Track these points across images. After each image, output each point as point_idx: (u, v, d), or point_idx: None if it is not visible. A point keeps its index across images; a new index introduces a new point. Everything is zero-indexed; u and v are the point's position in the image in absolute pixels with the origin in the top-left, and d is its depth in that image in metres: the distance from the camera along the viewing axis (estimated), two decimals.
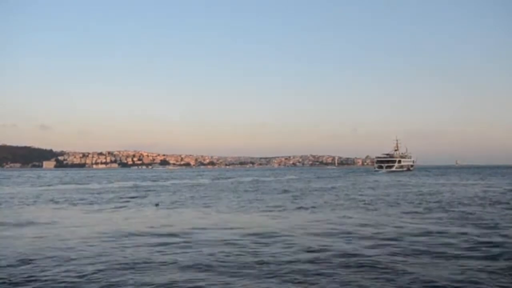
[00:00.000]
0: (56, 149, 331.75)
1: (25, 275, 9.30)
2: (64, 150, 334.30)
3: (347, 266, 9.94)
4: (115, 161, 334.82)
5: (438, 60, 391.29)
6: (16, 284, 8.76)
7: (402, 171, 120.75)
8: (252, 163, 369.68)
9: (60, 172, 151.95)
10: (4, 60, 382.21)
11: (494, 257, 10.76)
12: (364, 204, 25.51)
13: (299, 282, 8.75)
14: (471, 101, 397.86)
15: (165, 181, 64.63)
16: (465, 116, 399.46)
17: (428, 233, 14.40)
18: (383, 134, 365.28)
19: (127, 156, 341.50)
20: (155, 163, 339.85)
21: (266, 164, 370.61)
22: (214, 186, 48.93)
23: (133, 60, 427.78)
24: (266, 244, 12.67)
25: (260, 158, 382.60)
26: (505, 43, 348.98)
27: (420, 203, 25.42)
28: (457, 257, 10.86)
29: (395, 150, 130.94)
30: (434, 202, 26.36)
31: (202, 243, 12.84)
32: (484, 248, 11.83)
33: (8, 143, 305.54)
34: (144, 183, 58.17)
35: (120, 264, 10.28)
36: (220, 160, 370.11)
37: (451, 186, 45.94)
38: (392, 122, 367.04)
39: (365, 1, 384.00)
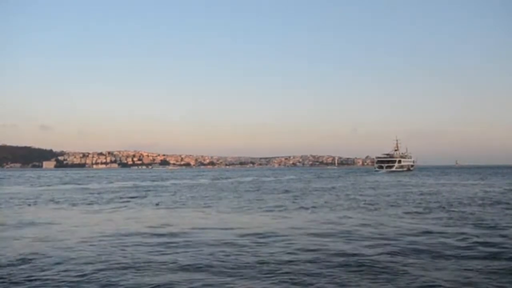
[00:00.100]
0: (56, 149, 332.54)
1: (25, 275, 9.30)
2: (64, 150, 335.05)
3: (347, 266, 9.94)
4: (115, 161, 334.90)
5: (438, 60, 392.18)
6: (16, 283, 8.76)
7: (402, 171, 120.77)
8: (252, 163, 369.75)
9: (60, 172, 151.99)
10: (4, 60, 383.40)
11: (494, 257, 10.75)
12: (365, 204, 25.50)
13: (299, 282, 8.75)
14: (471, 101, 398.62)
15: (165, 181, 64.62)
16: (465, 116, 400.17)
17: (428, 233, 14.39)
18: (383, 134, 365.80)
19: (127, 156, 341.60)
20: (155, 163, 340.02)
21: (266, 164, 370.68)
22: (214, 186, 48.92)
23: (133, 60, 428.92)
24: (266, 244, 12.67)
25: (260, 158, 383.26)
26: (505, 43, 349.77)
27: (420, 203, 25.41)
28: (457, 257, 10.85)
29: (395, 150, 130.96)
30: (434, 202, 26.35)
31: (202, 243, 12.84)
32: (484, 248, 11.82)
33: (8, 143, 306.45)
34: (144, 183, 58.16)
35: (120, 264, 10.27)
36: (220, 160, 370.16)
37: (451, 186, 45.93)
38: (392, 122, 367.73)
39: (365, 1, 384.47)
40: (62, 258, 10.86)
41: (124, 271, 9.58)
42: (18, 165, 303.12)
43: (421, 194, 33.26)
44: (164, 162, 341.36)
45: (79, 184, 57.75)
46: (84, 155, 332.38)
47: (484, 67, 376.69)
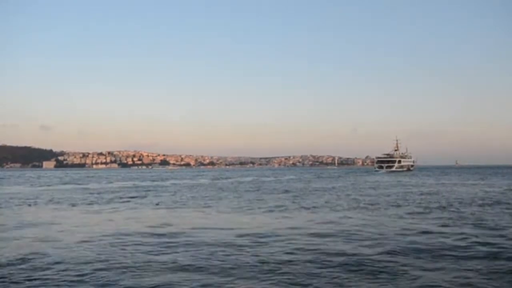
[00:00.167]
0: (56, 149, 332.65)
1: (25, 275, 9.30)
2: (64, 150, 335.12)
3: (347, 266, 9.94)
4: (115, 161, 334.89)
5: (438, 60, 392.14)
6: (16, 283, 8.76)
7: (402, 171, 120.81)
8: (252, 163, 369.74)
9: (60, 172, 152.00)
10: (4, 60, 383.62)
11: (494, 257, 10.74)
12: (365, 204, 25.50)
13: (299, 282, 8.75)
14: (471, 101, 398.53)
15: (165, 181, 64.63)
16: (465, 116, 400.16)
17: (428, 233, 14.39)
18: (383, 134, 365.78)
19: (127, 156, 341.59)
20: (155, 163, 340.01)
21: (266, 164, 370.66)
22: (214, 186, 48.92)
23: (133, 60, 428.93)
24: (266, 244, 12.66)
25: (260, 158, 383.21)
26: (505, 43, 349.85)
27: (420, 203, 25.40)
28: (457, 257, 10.85)
29: (395, 150, 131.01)
30: (434, 202, 26.34)
31: (202, 243, 12.83)
32: (484, 248, 11.82)
33: (8, 143, 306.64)
34: (144, 183, 58.17)
35: (120, 264, 10.27)
36: (220, 160, 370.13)
37: (451, 186, 45.93)
38: (392, 122, 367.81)
39: (365, 1, 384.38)
40: (62, 258, 10.85)
41: (124, 271, 9.58)
42: (18, 165, 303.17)
43: (421, 194, 33.26)
44: (164, 162, 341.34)
45: (79, 184, 57.75)
46: (84, 155, 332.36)
47: (484, 67, 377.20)
